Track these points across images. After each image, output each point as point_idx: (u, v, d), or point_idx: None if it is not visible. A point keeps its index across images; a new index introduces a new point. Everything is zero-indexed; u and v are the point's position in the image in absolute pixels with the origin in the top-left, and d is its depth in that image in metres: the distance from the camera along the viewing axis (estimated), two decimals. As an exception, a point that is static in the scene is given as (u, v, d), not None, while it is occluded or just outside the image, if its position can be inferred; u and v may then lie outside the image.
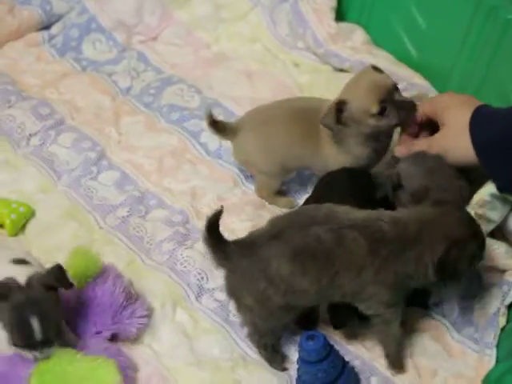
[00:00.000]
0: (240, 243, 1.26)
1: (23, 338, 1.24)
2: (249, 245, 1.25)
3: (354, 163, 1.50)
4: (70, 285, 1.30)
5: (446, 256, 1.23)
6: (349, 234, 1.22)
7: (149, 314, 1.42)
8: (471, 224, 1.27)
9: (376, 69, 1.46)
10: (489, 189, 1.36)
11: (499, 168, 1.29)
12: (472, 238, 1.25)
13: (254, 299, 1.26)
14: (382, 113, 1.42)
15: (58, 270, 1.29)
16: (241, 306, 1.31)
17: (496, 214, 1.38)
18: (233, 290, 1.30)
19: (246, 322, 1.37)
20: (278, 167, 1.58)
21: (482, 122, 1.30)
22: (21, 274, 1.27)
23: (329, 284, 1.24)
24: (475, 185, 1.39)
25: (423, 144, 1.39)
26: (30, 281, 1.26)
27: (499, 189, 1.31)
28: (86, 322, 1.35)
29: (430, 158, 1.37)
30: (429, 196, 1.31)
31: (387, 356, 1.35)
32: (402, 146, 1.43)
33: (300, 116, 1.55)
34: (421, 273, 1.24)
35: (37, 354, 1.26)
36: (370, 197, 1.38)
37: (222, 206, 1.23)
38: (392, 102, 1.41)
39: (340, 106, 1.44)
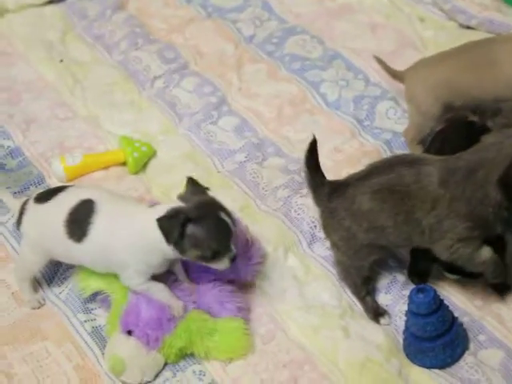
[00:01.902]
0: (334, 184, 1.34)
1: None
2: (341, 185, 1.33)
3: None
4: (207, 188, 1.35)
5: (504, 174, 1.20)
6: (425, 169, 1.25)
7: (263, 259, 1.45)
8: None
9: None
10: None
11: None
12: None
13: (341, 237, 1.35)
14: None
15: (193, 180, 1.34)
16: (331, 244, 1.40)
17: None
18: (325, 228, 1.38)
19: (336, 260, 1.42)
20: (439, 106, 1.55)
21: None
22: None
23: (405, 219, 1.27)
24: None
25: None
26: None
27: None
28: (206, 272, 1.37)
29: None
30: None
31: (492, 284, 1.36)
32: None
33: (469, 49, 1.54)
34: (491, 197, 1.22)
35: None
36: None
37: (314, 136, 1.31)
38: None
39: None
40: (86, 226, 1.31)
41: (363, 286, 1.40)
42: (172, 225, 1.24)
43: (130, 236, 1.29)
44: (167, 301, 1.32)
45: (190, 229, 1.24)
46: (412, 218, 1.27)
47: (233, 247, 1.28)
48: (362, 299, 1.40)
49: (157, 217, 1.24)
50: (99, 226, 1.31)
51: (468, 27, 1.86)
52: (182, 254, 1.27)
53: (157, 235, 1.24)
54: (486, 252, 1.27)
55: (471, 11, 1.84)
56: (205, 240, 1.25)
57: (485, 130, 1.40)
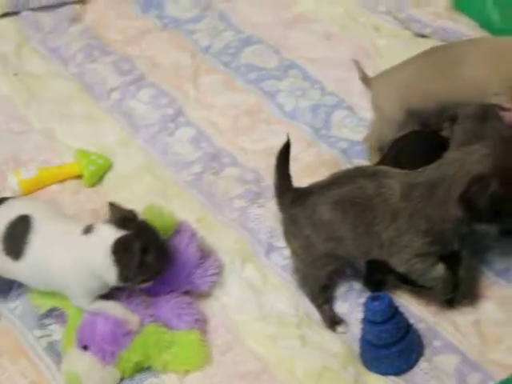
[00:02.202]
0: (298, 191, 1.34)
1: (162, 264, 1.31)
2: (304, 193, 1.33)
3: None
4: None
5: (465, 191, 1.21)
6: (387, 182, 1.26)
7: (219, 270, 1.45)
8: (497, 162, 1.21)
9: None
10: None
11: None
12: (494, 175, 1.20)
13: (300, 245, 1.35)
14: None
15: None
16: (291, 250, 1.40)
17: None
18: (285, 235, 1.39)
19: (294, 268, 1.43)
20: (402, 113, 1.55)
21: None
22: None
23: (365, 231, 1.27)
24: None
25: None
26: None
27: None
28: (160, 282, 1.37)
29: (490, 108, 1.37)
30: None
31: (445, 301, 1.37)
32: None
33: (430, 54, 1.55)
34: (451, 213, 1.23)
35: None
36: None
37: (288, 137, 1.32)
38: None
39: None
40: (22, 244, 1.30)
41: (321, 294, 1.40)
42: (130, 260, 1.25)
43: (68, 259, 1.29)
44: (122, 316, 1.31)
45: (146, 258, 1.26)
46: (372, 231, 1.27)
47: None
48: (319, 307, 1.40)
49: (101, 244, 1.25)
50: (36, 244, 1.30)
51: (422, 36, 1.87)
52: (126, 282, 1.28)
53: (98, 263, 1.26)
54: (440, 269, 1.29)
55: (425, 20, 1.85)
56: (153, 266, 1.27)
57: (441, 140, 1.41)
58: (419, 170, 1.27)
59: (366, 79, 1.70)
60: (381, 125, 1.61)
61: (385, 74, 1.63)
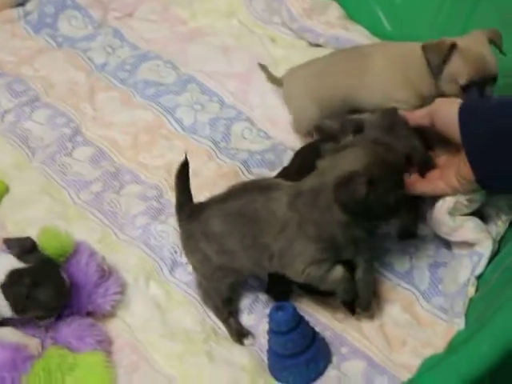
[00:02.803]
0: (195, 206, 1.36)
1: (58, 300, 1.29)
2: (199, 207, 1.35)
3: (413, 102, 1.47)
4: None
5: (334, 192, 1.22)
6: (275, 194, 1.27)
7: (122, 289, 1.43)
8: (365, 159, 1.23)
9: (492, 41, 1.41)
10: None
11: (481, 161, 1.27)
12: (363, 174, 1.21)
13: (197, 259, 1.36)
14: (465, 88, 1.39)
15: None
16: (192, 267, 1.42)
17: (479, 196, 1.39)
18: (184, 250, 1.41)
19: (197, 283, 1.43)
20: (315, 108, 1.57)
21: (472, 113, 1.28)
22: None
23: (252, 243, 1.28)
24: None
25: (420, 110, 1.38)
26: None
27: (477, 181, 1.30)
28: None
29: (396, 115, 1.38)
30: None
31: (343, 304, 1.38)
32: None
33: (341, 54, 1.59)
34: (335, 218, 1.24)
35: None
36: None
37: (186, 155, 1.34)
38: (480, 88, 1.39)
39: (451, 50, 1.39)
40: None
41: (225, 308, 1.39)
42: (18, 293, 1.23)
43: None
44: (20, 341, 1.28)
45: (35, 293, 1.24)
46: (260, 243, 1.28)
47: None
48: (224, 321, 1.40)
49: None
50: None
51: (317, 45, 1.89)
52: (20, 315, 1.26)
53: None
54: (338, 271, 1.29)
55: (318, 30, 1.87)
56: (46, 301, 1.26)
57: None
58: (303, 180, 1.28)
59: (274, 80, 1.73)
60: (296, 119, 1.64)
61: (294, 70, 1.65)
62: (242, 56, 1.90)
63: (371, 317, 1.38)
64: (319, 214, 1.24)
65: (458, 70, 1.38)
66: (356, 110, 1.51)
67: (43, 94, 1.83)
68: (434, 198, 1.39)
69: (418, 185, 1.36)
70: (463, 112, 1.28)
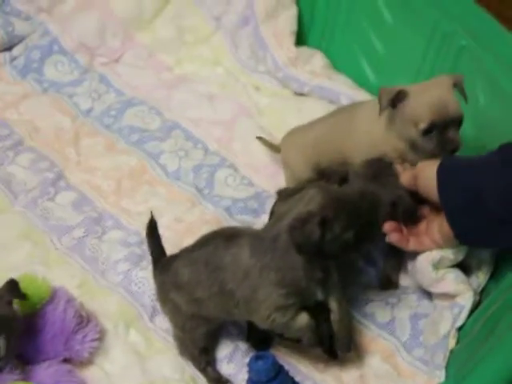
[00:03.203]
0: (168, 258, 1.38)
1: None
2: (171, 259, 1.37)
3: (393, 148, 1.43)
4: (24, 296, 1.33)
5: (289, 235, 1.23)
6: (239, 241, 1.28)
7: (101, 335, 1.42)
8: (318, 199, 1.23)
9: (456, 85, 1.38)
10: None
11: (459, 219, 1.29)
12: (315, 214, 1.22)
13: (168, 309, 1.38)
14: (426, 133, 1.35)
15: (13, 283, 1.32)
16: (166, 316, 1.42)
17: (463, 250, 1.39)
18: (158, 301, 1.43)
19: (173, 335, 1.43)
20: (309, 170, 1.57)
21: (450, 174, 1.30)
22: None
23: (219, 291, 1.28)
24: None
25: (406, 172, 1.38)
26: None
27: (456, 236, 1.32)
28: (36, 350, 1.35)
29: (381, 164, 1.39)
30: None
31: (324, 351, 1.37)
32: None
33: (334, 114, 1.58)
34: (295, 262, 1.24)
35: None
36: None
37: (152, 215, 1.39)
38: (442, 131, 1.34)
39: (400, 94, 1.36)
40: None
41: (201, 358, 1.39)
42: None
43: None
44: None
45: None
46: (225, 290, 1.28)
47: None
48: (202, 371, 1.39)
49: None
50: None
51: (301, 94, 1.90)
52: None
53: None
54: (303, 319, 1.28)
55: (302, 79, 1.88)
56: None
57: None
58: (264, 226, 1.31)
59: (273, 147, 1.73)
60: (292, 180, 1.63)
61: (291, 134, 1.65)
62: (226, 103, 1.91)
63: (351, 367, 1.37)
64: (279, 259, 1.25)
65: (417, 112, 1.35)
66: None
67: (27, 138, 1.83)
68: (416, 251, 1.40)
69: (411, 243, 1.38)
70: (441, 172, 1.30)
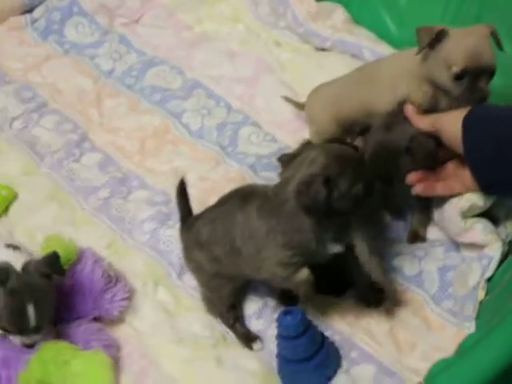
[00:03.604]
0: (192, 218, 1.39)
1: (17, 324, 1.26)
2: (194, 219, 1.38)
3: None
4: (63, 272, 1.33)
5: (295, 197, 1.23)
6: (250, 202, 1.29)
7: (130, 295, 1.43)
8: (320, 160, 1.23)
9: (494, 35, 1.35)
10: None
11: (484, 172, 1.28)
12: (320, 174, 1.21)
13: (192, 267, 1.39)
14: (458, 77, 1.33)
15: (54, 257, 1.31)
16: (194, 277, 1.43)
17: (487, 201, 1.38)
18: (184, 261, 1.43)
19: (200, 294, 1.44)
20: (333, 124, 1.56)
21: (477, 119, 1.28)
22: (15, 260, 1.29)
23: (230, 249, 1.30)
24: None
25: (427, 117, 1.36)
26: (26, 267, 1.28)
27: (482, 189, 1.30)
28: (67, 310, 1.36)
29: (398, 115, 1.38)
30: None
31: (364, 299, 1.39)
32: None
33: (357, 69, 1.57)
34: (304, 224, 1.24)
35: (25, 339, 1.28)
36: None
37: (182, 179, 1.39)
38: (473, 79, 1.32)
39: (440, 35, 1.33)
40: None
41: (230, 314, 1.40)
42: None
43: None
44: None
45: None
46: (234, 247, 1.29)
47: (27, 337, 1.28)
48: (231, 327, 1.40)
49: None
50: None
51: (323, 49, 1.89)
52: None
53: None
54: (303, 274, 1.28)
55: (323, 34, 1.87)
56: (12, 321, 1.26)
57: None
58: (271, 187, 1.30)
59: (298, 105, 1.72)
60: (317, 136, 1.62)
61: (316, 90, 1.64)
62: (247, 60, 1.90)
63: (381, 321, 1.38)
64: (286, 223, 1.25)
65: (452, 56, 1.32)
66: None
67: (51, 101, 1.84)
68: (445, 199, 1.39)
69: (438, 189, 1.36)
70: (467, 121, 1.28)
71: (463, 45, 1.33)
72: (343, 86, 1.57)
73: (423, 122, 1.35)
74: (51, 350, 1.28)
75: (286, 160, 1.32)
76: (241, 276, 1.36)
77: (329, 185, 1.21)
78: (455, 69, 1.32)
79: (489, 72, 1.33)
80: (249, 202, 1.29)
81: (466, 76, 1.33)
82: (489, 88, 1.34)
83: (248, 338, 1.38)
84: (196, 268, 1.39)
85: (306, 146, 1.35)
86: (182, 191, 1.40)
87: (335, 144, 1.30)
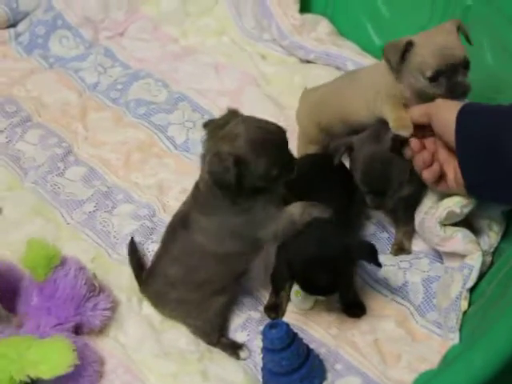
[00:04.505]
0: (147, 271, 1.43)
1: None
2: (149, 271, 1.42)
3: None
4: None
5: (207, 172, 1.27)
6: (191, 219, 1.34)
7: (114, 306, 1.42)
8: (239, 138, 1.25)
9: (461, 29, 1.37)
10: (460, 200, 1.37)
11: (472, 170, 1.27)
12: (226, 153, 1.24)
13: (173, 307, 1.41)
14: (434, 79, 1.34)
15: None
16: (178, 320, 1.44)
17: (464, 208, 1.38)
18: (159, 307, 1.44)
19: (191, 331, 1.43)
20: (315, 129, 1.57)
21: (471, 116, 1.27)
22: None
23: (219, 257, 1.33)
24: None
25: (416, 107, 1.36)
26: None
27: (467, 188, 1.30)
28: (48, 315, 1.36)
29: (381, 128, 1.39)
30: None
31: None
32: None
33: (341, 77, 1.60)
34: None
35: None
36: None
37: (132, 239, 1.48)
38: (450, 76, 1.33)
39: (408, 46, 1.35)
40: None
41: (215, 334, 1.40)
42: None
43: None
44: None
45: None
46: (220, 257, 1.33)
47: None
48: (216, 344, 1.40)
49: None
50: None
51: (308, 61, 1.89)
52: None
53: None
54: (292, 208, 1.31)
55: (308, 46, 1.87)
56: None
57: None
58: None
59: None
60: (302, 138, 1.63)
61: (302, 94, 1.65)
62: (232, 73, 1.91)
63: (365, 332, 1.38)
64: (212, 205, 1.31)
65: (422, 62, 1.34)
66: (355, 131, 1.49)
67: (35, 115, 1.83)
68: (423, 209, 1.40)
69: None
70: (461, 118, 1.26)
71: (431, 47, 1.34)
72: (322, 92, 1.58)
73: (418, 112, 1.34)
74: (13, 342, 1.27)
75: (211, 128, 1.33)
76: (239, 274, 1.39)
77: (239, 165, 1.22)
78: (428, 72, 1.33)
79: (463, 65, 1.34)
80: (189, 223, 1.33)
81: (442, 76, 1.34)
82: (468, 81, 1.34)
83: (234, 346, 1.39)
84: (176, 305, 1.40)
85: (232, 115, 1.32)
86: (133, 251, 1.47)
87: (262, 120, 1.30)
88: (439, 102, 1.33)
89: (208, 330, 1.39)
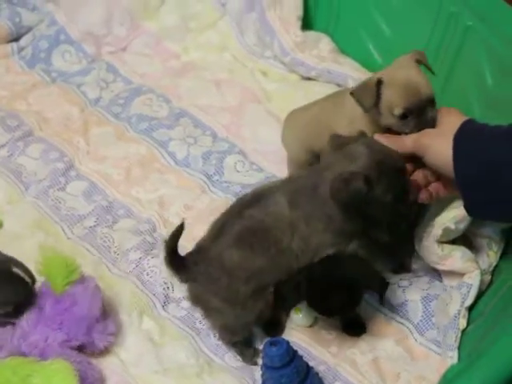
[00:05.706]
0: (191, 253, 1.35)
1: None
2: (198, 251, 1.34)
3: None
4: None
5: (330, 188, 1.26)
6: (271, 199, 1.30)
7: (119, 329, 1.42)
8: (366, 159, 1.26)
9: (419, 61, 1.37)
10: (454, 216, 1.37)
11: (472, 189, 1.25)
12: (363, 172, 1.24)
13: (222, 299, 1.33)
14: (403, 117, 1.34)
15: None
16: (210, 311, 1.37)
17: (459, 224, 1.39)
18: (198, 299, 1.36)
19: (215, 325, 1.41)
20: (304, 151, 1.57)
21: (469, 139, 1.25)
22: None
23: (277, 251, 1.30)
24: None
25: (407, 137, 1.34)
26: None
27: (466, 209, 1.29)
28: (59, 329, 1.34)
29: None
30: None
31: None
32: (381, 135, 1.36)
33: (326, 97, 1.58)
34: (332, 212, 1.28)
35: None
36: None
37: (183, 221, 1.32)
38: (418, 113, 1.33)
39: (378, 85, 1.35)
40: None
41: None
42: None
43: None
44: None
45: None
46: (281, 248, 1.30)
47: None
48: (234, 345, 1.41)
49: None
50: None
51: (309, 78, 1.90)
52: None
53: None
54: (353, 245, 1.32)
55: (309, 63, 1.88)
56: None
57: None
58: (299, 173, 1.34)
59: None
60: (290, 163, 1.64)
61: (289, 116, 1.65)
62: (234, 89, 1.91)
63: (365, 351, 1.38)
64: (320, 208, 1.28)
65: (391, 100, 1.33)
66: None
67: (37, 129, 1.84)
68: (421, 229, 1.40)
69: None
70: (458, 143, 1.25)
71: (397, 85, 1.33)
72: (311, 113, 1.57)
73: (407, 144, 1.32)
74: (13, 362, 1.26)
75: (337, 144, 1.32)
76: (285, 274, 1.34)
77: (369, 184, 1.23)
78: (397, 111, 1.33)
79: (430, 101, 1.34)
80: (268, 203, 1.30)
81: (410, 114, 1.33)
82: (437, 116, 1.33)
83: (251, 353, 1.40)
84: (228, 298, 1.33)
85: (361, 136, 1.33)
86: (177, 235, 1.33)
87: (385, 146, 1.30)
88: (428, 133, 1.31)
89: (238, 329, 1.38)
